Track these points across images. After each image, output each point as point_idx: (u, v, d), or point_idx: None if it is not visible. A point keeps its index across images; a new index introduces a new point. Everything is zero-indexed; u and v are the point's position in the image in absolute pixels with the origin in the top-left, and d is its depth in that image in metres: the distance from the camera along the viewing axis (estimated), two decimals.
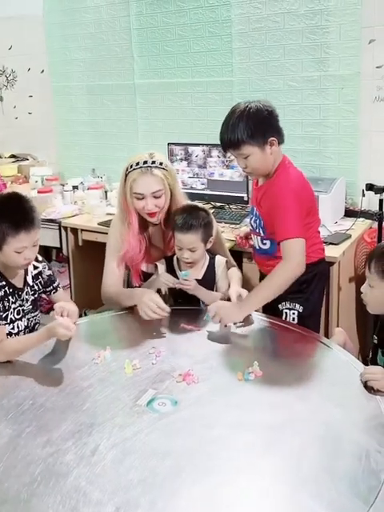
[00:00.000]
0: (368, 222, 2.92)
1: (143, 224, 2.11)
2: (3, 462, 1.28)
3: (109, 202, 3.54)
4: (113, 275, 2.11)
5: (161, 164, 2.00)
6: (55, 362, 1.73)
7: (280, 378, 1.59)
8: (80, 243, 3.32)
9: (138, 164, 1.98)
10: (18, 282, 1.92)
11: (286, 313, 2.06)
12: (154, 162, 1.98)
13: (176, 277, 2.05)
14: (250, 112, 1.87)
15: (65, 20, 3.88)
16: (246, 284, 2.47)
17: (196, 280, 2.03)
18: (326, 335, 2.49)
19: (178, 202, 2.08)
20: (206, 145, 3.27)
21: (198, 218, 2.00)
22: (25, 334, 1.92)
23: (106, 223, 3.17)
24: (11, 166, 4.20)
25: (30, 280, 1.96)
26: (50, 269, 2.05)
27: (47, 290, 2.03)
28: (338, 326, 2.30)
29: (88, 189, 3.69)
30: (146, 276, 2.15)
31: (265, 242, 2.07)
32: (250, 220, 2.15)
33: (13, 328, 1.90)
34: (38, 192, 3.65)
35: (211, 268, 2.08)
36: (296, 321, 2.04)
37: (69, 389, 1.57)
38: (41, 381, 1.62)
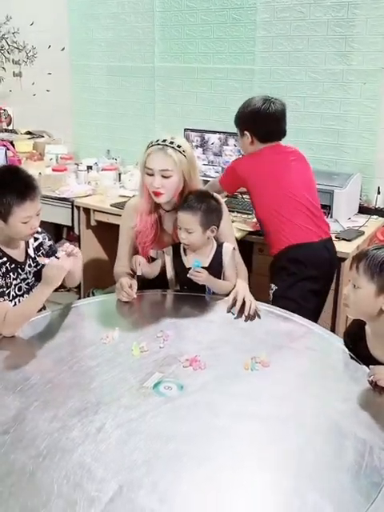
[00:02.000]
0: (382, 220, 2.91)
1: (160, 214, 2.11)
2: (10, 434, 1.30)
3: (122, 184, 3.54)
4: (122, 259, 2.16)
5: (179, 146, 1.99)
6: (64, 340, 1.74)
7: (287, 371, 1.60)
8: (92, 223, 3.32)
9: (157, 141, 2.00)
10: (19, 255, 1.92)
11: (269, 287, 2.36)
12: (172, 143, 1.99)
13: (183, 263, 2.06)
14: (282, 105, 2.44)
15: None
16: (256, 276, 2.48)
17: (201, 267, 2.03)
18: (333, 329, 2.50)
19: (195, 188, 2.08)
20: (223, 132, 3.25)
21: (201, 202, 1.99)
22: None
23: (119, 205, 3.18)
24: (27, 143, 4.19)
25: (31, 252, 1.97)
26: (50, 239, 2.06)
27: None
28: (346, 321, 2.29)
29: (102, 170, 3.69)
30: (153, 261, 2.15)
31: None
32: None
33: (15, 304, 1.90)
34: (53, 170, 3.65)
35: (218, 255, 2.08)
36: (271, 297, 2.32)
37: (76, 367, 1.59)
38: (49, 357, 1.64)
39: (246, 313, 1.89)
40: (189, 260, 2.05)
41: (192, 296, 1.97)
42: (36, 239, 1.99)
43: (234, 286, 2.03)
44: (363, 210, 3.00)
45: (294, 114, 3.15)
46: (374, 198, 2.97)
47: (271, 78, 3.23)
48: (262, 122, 2.33)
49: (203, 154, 3.34)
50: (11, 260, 1.88)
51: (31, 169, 3.71)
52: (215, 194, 2.11)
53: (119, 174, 3.67)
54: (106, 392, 1.47)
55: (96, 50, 3.95)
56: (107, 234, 3.21)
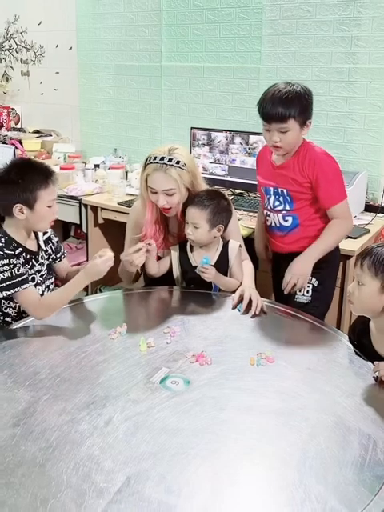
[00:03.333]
0: None
1: (162, 213, 2.12)
2: (20, 427, 1.32)
3: (129, 183, 3.57)
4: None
5: (178, 162, 1.97)
6: (72, 335, 1.77)
7: (292, 366, 1.62)
8: (100, 221, 3.35)
9: (155, 158, 1.97)
10: (31, 246, 1.94)
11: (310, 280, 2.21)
12: (171, 160, 1.96)
13: (189, 260, 2.08)
14: (303, 91, 2.04)
15: None
16: (261, 272, 2.50)
17: None
18: (338, 326, 2.51)
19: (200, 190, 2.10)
20: (230, 131, 3.27)
21: (212, 199, 2.02)
22: None
23: (126, 203, 3.21)
24: (35, 141, 4.23)
25: (42, 244, 2.00)
26: (56, 236, 2.10)
27: (57, 256, 2.07)
28: (351, 317, 2.32)
29: (109, 168, 3.72)
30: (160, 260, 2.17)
31: (287, 218, 2.20)
32: (267, 201, 2.25)
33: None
34: (61, 168, 3.68)
35: (225, 253, 2.10)
36: (310, 293, 2.21)
37: (85, 362, 1.61)
38: (58, 352, 1.66)
39: (252, 311, 1.91)
40: (195, 257, 2.08)
41: (198, 293, 2.00)
42: (45, 233, 2.03)
43: (241, 283, 2.05)
44: (369, 208, 3.01)
45: None
46: (379, 197, 2.98)
47: (277, 77, 3.23)
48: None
49: (210, 152, 3.36)
50: (26, 250, 1.90)
51: None
52: (226, 195, 2.14)
53: (126, 173, 3.71)
54: (113, 386, 1.50)
55: (103, 50, 3.98)
56: (114, 231, 3.24)
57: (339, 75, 3.04)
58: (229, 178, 3.32)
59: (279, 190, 2.19)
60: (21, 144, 4.11)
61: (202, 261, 2.00)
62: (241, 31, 3.34)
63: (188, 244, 2.12)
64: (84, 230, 3.46)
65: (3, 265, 1.78)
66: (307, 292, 2.21)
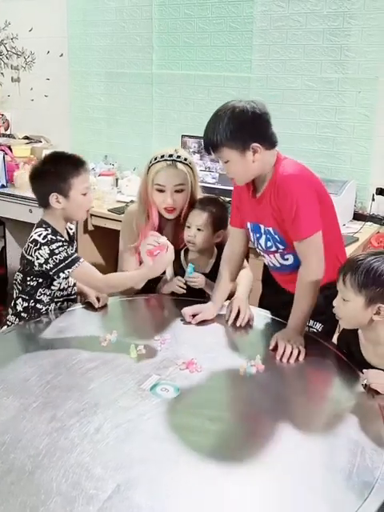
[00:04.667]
0: (376, 227, 2.95)
1: (160, 222, 2.13)
2: (10, 434, 1.32)
3: (119, 190, 3.58)
4: (128, 266, 2.11)
5: (185, 159, 2.03)
6: (62, 342, 1.77)
7: (281, 374, 1.63)
8: (89, 228, 3.35)
9: (163, 156, 2.01)
10: (66, 236, 1.98)
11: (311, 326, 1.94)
12: (179, 157, 2.02)
13: (183, 268, 2.08)
14: (233, 113, 1.67)
15: (87, 6, 3.89)
16: (254, 282, 2.49)
17: (204, 273, 2.06)
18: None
19: (198, 197, 2.11)
20: None
21: (215, 205, 2.06)
22: (71, 290, 2.04)
23: (116, 210, 3.22)
24: (24, 148, 4.21)
25: (71, 233, 2.04)
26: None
27: None
28: (339, 328, 2.22)
29: (99, 175, 3.72)
30: None
31: (286, 257, 1.87)
32: (257, 241, 1.91)
33: (68, 283, 1.99)
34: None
35: (219, 261, 2.10)
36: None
37: (75, 369, 1.61)
38: (47, 359, 1.66)
39: (238, 322, 1.89)
40: (188, 264, 2.09)
41: (190, 300, 2.00)
42: (71, 228, 2.06)
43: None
44: (358, 216, 3.04)
45: (289, 122, 3.20)
46: (368, 205, 3.01)
47: (267, 86, 3.26)
48: (266, 125, 1.74)
49: (200, 159, 3.37)
50: (64, 239, 1.93)
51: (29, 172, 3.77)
52: (223, 201, 2.15)
53: (116, 180, 3.71)
54: (104, 393, 1.50)
55: (94, 57, 3.98)
56: (104, 238, 3.24)
57: (329, 85, 3.07)
58: (219, 186, 3.32)
59: (267, 228, 1.84)
60: (10, 150, 4.09)
61: (187, 271, 2.01)
62: (232, 40, 3.37)
63: (182, 253, 2.12)
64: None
65: (58, 246, 1.84)
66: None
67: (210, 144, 1.71)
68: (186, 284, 2.03)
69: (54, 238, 1.86)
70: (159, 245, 1.79)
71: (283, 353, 1.67)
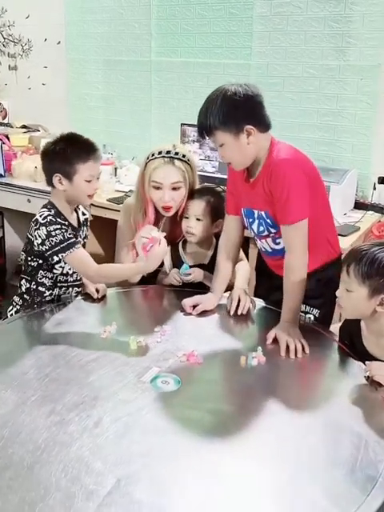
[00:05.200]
0: (377, 216, 2.92)
1: (157, 216, 2.09)
2: (8, 428, 1.30)
3: (118, 179, 3.54)
4: (124, 261, 2.09)
5: (184, 156, 1.99)
6: (61, 334, 1.75)
7: (283, 366, 1.61)
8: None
9: (160, 153, 1.97)
10: (74, 221, 1.97)
11: (301, 316, 1.87)
12: (177, 154, 1.97)
13: (181, 259, 2.06)
14: (225, 95, 1.65)
15: None
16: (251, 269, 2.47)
17: (202, 265, 2.04)
18: (329, 322, 2.50)
19: None
20: None
21: (213, 194, 2.04)
22: (76, 276, 2.00)
23: (115, 199, 3.19)
24: (22, 137, 4.16)
25: (81, 220, 2.02)
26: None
27: (84, 240, 2.05)
28: (340, 319, 2.21)
29: None
30: None
31: (278, 241, 1.87)
32: (250, 226, 1.91)
33: (70, 268, 1.95)
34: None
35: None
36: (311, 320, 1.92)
37: (74, 361, 1.59)
38: (46, 351, 1.64)
39: (239, 310, 1.87)
40: (187, 257, 2.07)
41: (190, 292, 1.98)
42: (84, 214, 2.05)
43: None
44: (359, 205, 3.01)
45: (290, 110, 3.16)
46: (369, 194, 2.98)
47: (268, 73, 3.22)
48: (259, 107, 1.72)
49: (200, 148, 3.34)
50: (70, 225, 1.92)
51: (27, 162, 3.73)
52: (220, 190, 2.12)
53: (115, 169, 3.67)
54: (103, 386, 1.48)
55: (92, 44, 3.93)
56: (104, 228, 3.20)
57: (330, 72, 3.02)
58: (219, 175, 3.29)
59: (260, 212, 1.84)
60: (8, 139, 4.05)
61: (181, 270, 1.99)
62: (231, 27, 3.31)
63: (180, 244, 2.10)
64: None
65: (55, 229, 1.82)
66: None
67: (204, 128, 1.70)
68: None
69: (53, 219, 1.84)
70: (151, 238, 1.76)
71: (287, 349, 1.65)
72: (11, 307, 2.00)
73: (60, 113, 4.20)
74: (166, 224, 2.14)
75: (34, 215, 1.90)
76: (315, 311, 1.93)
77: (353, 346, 1.67)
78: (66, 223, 1.89)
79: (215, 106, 1.66)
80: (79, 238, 1.98)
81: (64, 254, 1.82)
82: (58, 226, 1.83)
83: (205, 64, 3.47)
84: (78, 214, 2.00)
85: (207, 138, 1.75)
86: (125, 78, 3.84)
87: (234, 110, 1.65)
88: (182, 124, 3.39)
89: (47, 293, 1.97)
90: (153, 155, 1.98)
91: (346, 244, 2.50)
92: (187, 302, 1.88)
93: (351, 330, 1.68)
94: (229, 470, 1.22)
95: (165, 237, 1.79)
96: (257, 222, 1.87)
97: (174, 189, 1.98)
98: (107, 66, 3.91)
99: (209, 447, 1.27)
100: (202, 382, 1.51)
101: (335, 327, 1.84)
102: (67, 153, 1.83)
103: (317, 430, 1.35)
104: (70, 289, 2.02)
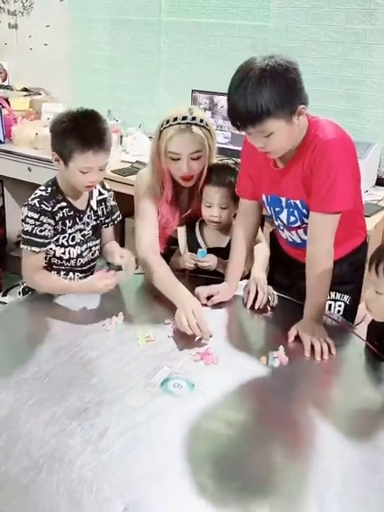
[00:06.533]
0: None
1: (176, 189, 1.91)
2: (2, 440, 1.16)
3: (124, 148, 3.34)
4: (148, 237, 1.85)
5: (201, 121, 1.77)
6: (63, 325, 1.59)
7: (308, 368, 1.46)
8: None
9: (175, 119, 1.75)
10: (80, 204, 1.83)
11: (330, 304, 1.76)
12: (194, 119, 1.75)
13: (197, 243, 1.90)
14: (275, 73, 1.37)
15: None
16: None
17: (220, 248, 1.88)
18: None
19: (213, 160, 1.88)
20: None
21: (231, 175, 1.82)
22: (75, 262, 1.86)
23: (121, 171, 3.01)
24: (23, 100, 3.95)
25: (94, 204, 1.88)
26: (114, 200, 1.95)
27: (105, 220, 1.92)
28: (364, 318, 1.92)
29: None
30: (172, 240, 1.98)
31: None
32: (276, 215, 1.71)
33: (63, 253, 1.82)
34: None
35: None
36: (341, 313, 1.78)
37: (76, 358, 1.44)
38: (47, 346, 1.49)
39: (256, 305, 1.71)
40: (205, 238, 1.90)
41: (205, 278, 1.80)
42: (101, 193, 1.89)
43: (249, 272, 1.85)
44: (381, 181, 2.83)
45: (310, 77, 2.92)
46: None
47: (287, 37, 3.00)
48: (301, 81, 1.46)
49: (212, 117, 3.13)
50: (71, 206, 1.79)
51: (27, 128, 3.53)
52: (236, 167, 1.92)
53: (121, 137, 3.46)
54: (108, 389, 1.33)
55: (98, 2, 3.68)
56: None
57: (355, 37, 2.80)
58: (231, 147, 3.10)
59: (292, 201, 1.64)
60: (8, 103, 3.83)
61: (199, 255, 1.82)
62: None
63: (196, 225, 1.93)
64: None
65: (31, 217, 1.71)
66: (338, 312, 1.79)
67: (250, 117, 1.40)
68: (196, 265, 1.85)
69: (37, 206, 1.71)
70: (114, 273, 1.64)
71: (312, 350, 1.49)
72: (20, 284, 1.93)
73: (63, 75, 3.99)
74: (185, 199, 1.95)
75: (35, 184, 1.75)
76: (346, 298, 1.78)
77: (382, 347, 1.51)
78: (58, 207, 1.75)
79: (265, 87, 1.36)
80: (85, 220, 1.84)
81: (22, 246, 1.73)
82: (35, 217, 1.70)
83: (218, 25, 3.25)
84: (91, 194, 1.85)
85: (247, 129, 1.45)
86: (132, 39, 3.62)
87: (289, 90, 1.39)
88: (193, 90, 3.19)
89: None
90: (167, 122, 1.76)
91: (369, 225, 2.32)
92: (202, 292, 1.71)
93: (381, 331, 1.52)
94: (257, 491, 1.08)
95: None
96: (286, 211, 1.67)
97: (193, 159, 1.78)
98: (113, 26, 3.68)
99: (230, 464, 1.13)
100: (218, 387, 1.35)
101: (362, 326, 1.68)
102: (66, 136, 1.65)
103: (349, 446, 1.20)
104: (72, 274, 1.86)
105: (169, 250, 1.97)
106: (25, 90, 4.14)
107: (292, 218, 1.67)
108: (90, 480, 1.07)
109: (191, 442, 1.18)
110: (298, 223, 1.67)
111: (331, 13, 2.84)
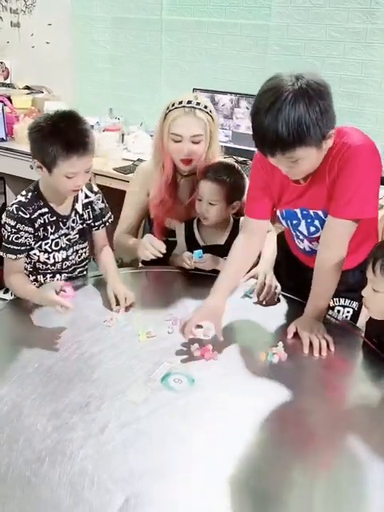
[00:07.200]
0: None
1: (175, 177, 1.95)
2: (5, 433, 1.17)
3: (125, 146, 3.36)
4: (127, 221, 2.02)
5: (205, 107, 1.85)
6: (64, 320, 1.60)
7: (306, 365, 1.47)
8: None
9: (181, 103, 1.83)
10: (64, 209, 1.78)
11: (339, 310, 1.76)
12: (198, 104, 1.83)
13: (196, 241, 1.91)
14: (309, 98, 1.27)
15: None
16: None
17: (218, 245, 1.89)
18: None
19: (215, 153, 1.92)
20: (235, 94, 3.06)
21: (229, 174, 1.85)
22: (61, 265, 1.84)
23: (122, 169, 3.02)
24: (25, 98, 3.97)
25: (79, 208, 1.83)
26: (103, 202, 1.91)
27: (94, 223, 1.88)
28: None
29: (104, 130, 3.49)
30: (167, 232, 2.00)
31: None
32: (295, 228, 1.67)
33: (48, 258, 1.81)
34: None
35: (236, 232, 1.91)
36: (349, 318, 1.77)
37: (78, 353, 1.46)
38: (48, 342, 1.50)
39: (261, 297, 1.73)
40: (203, 237, 1.91)
41: (205, 275, 1.82)
42: (87, 196, 1.84)
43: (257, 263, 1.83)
44: (381, 180, 2.82)
45: None
46: None
47: (288, 36, 3.01)
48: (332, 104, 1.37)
49: None
50: (53, 212, 1.75)
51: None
52: (240, 168, 1.94)
53: (122, 135, 3.48)
54: (110, 384, 1.35)
55: (99, 1, 3.69)
56: (109, 200, 3.00)
57: (356, 36, 2.81)
58: (232, 145, 3.11)
59: (312, 212, 1.58)
60: (10, 101, 3.85)
61: (194, 256, 1.82)
62: None
63: (195, 222, 1.94)
64: None
65: (9, 224, 1.69)
66: (346, 317, 1.78)
67: (283, 144, 1.31)
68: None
69: (14, 213, 1.68)
70: (68, 294, 1.56)
71: (311, 346, 1.50)
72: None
73: (65, 73, 4.00)
74: (185, 189, 1.99)
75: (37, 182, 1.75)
76: (355, 304, 1.77)
77: (381, 344, 1.53)
78: (38, 214, 1.71)
79: (299, 112, 1.26)
80: (69, 224, 1.80)
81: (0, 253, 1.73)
82: (12, 224, 1.68)
83: (220, 24, 3.26)
84: (76, 197, 1.80)
85: (275, 157, 1.36)
86: (134, 37, 3.63)
87: (323, 116, 1.29)
88: (194, 89, 3.19)
89: (31, 278, 1.82)
90: (173, 105, 1.84)
91: None
92: (186, 329, 1.51)
93: (380, 329, 1.53)
94: (258, 486, 1.09)
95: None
96: (304, 222, 1.61)
97: (194, 142, 1.83)
98: (115, 25, 3.69)
99: (230, 458, 1.14)
100: (217, 382, 1.37)
101: (361, 322, 1.69)
102: (47, 142, 1.57)
103: (346, 442, 1.22)
104: (59, 275, 1.86)
105: (165, 242, 1.98)
106: (27, 88, 4.16)
107: (312, 228, 1.62)
108: (92, 472, 1.09)
109: (191, 437, 1.20)
110: (318, 233, 1.61)
111: (332, 12, 2.85)
